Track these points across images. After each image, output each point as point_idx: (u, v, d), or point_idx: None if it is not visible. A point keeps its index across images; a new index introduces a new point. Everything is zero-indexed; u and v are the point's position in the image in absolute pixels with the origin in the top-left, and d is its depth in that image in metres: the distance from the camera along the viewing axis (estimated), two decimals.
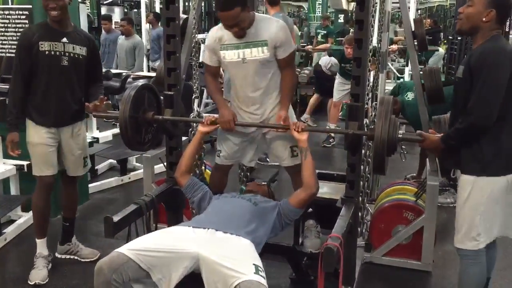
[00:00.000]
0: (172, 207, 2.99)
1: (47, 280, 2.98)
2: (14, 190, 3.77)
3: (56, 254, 3.29)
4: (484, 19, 2.24)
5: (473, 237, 2.31)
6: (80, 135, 3.15)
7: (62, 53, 2.95)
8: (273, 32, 2.59)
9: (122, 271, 1.94)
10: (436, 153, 2.68)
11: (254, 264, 1.96)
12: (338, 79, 6.09)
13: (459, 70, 2.36)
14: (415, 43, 3.23)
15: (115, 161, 5.05)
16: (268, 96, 2.73)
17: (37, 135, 2.99)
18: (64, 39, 2.96)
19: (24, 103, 2.95)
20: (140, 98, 2.71)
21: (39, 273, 3.00)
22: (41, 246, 3.08)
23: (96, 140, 4.74)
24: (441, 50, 8.32)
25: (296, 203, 2.51)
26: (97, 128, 4.84)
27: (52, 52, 2.92)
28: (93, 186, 4.47)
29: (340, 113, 6.55)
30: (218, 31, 2.67)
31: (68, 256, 3.28)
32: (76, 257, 3.27)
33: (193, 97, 3.20)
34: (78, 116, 3.13)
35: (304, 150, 2.56)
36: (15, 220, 3.66)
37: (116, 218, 2.38)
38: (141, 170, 4.41)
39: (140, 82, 2.90)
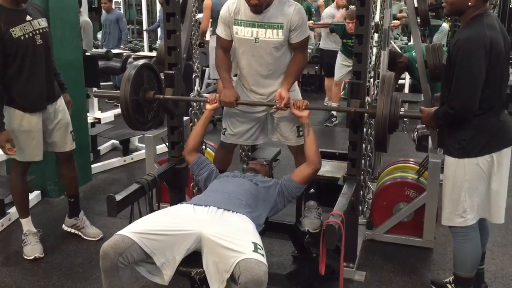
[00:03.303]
0: (174, 186, 3.01)
1: (43, 255, 3.03)
2: None
3: (63, 226, 3.34)
4: (470, 3, 2.22)
5: (459, 214, 2.34)
6: (61, 110, 3.08)
7: (34, 32, 2.83)
8: (289, 15, 2.57)
9: (128, 254, 1.95)
10: (432, 127, 2.68)
11: (253, 242, 1.97)
12: (339, 56, 6.04)
13: (444, 56, 2.38)
14: (418, 19, 3.18)
15: (118, 142, 5.05)
16: (275, 78, 2.73)
17: (25, 122, 2.88)
18: (28, 17, 2.83)
19: (3, 98, 2.78)
20: (140, 77, 2.69)
21: (34, 248, 3.03)
22: (27, 224, 3.10)
23: (98, 120, 4.74)
24: (446, 25, 8.21)
25: (300, 179, 2.51)
26: (99, 109, 4.83)
27: (26, 36, 2.79)
28: (96, 167, 4.48)
29: (342, 92, 6.51)
30: (234, 4, 2.64)
31: (73, 230, 3.32)
32: (80, 233, 3.31)
33: (193, 76, 3.19)
34: (57, 93, 3.08)
35: (307, 126, 2.56)
36: None
37: (118, 197, 2.40)
38: (144, 151, 4.43)
39: (141, 61, 2.87)
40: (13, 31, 2.75)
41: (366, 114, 2.59)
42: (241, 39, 2.65)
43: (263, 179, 2.56)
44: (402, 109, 2.46)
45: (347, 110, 2.56)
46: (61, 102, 3.11)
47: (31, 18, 2.85)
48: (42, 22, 2.92)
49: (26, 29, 2.81)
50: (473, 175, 2.29)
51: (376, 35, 3.97)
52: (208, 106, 2.73)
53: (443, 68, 2.42)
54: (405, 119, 3.63)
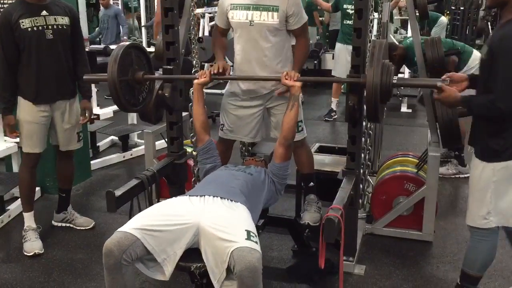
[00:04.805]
0: (173, 182, 3.00)
1: (42, 251, 3.04)
2: (16, 167, 3.78)
3: (53, 222, 3.39)
4: None
5: (482, 216, 2.26)
6: (73, 111, 3.14)
7: (45, 26, 2.89)
8: None
9: (131, 250, 1.94)
10: (448, 106, 2.54)
11: (246, 230, 1.96)
12: (338, 46, 5.97)
13: (483, 49, 2.25)
14: (417, 12, 3.18)
15: (117, 138, 5.05)
16: (271, 66, 2.70)
17: (29, 113, 2.95)
18: (44, 12, 2.90)
19: (14, 85, 2.90)
20: (129, 57, 2.61)
21: (33, 244, 3.04)
22: (29, 219, 3.12)
23: (97, 117, 4.72)
24: (444, 19, 8.20)
25: (277, 158, 2.50)
26: (98, 105, 4.82)
27: (35, 28, 2.86)
28: (95, 163, 4.48)
29: (342, 86, 6.49)
30: None
31: (63, 224, 3.37)
32: (71, 225, 3.36)
33: (192, 71, 3.18)
34: (71, 91, 3.12)
35: (294, 99, 2.48)
36: (18, 197, 3.67)
37: (118, 193, 2.39)
38: (143, 146, 4.42)
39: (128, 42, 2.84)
40: (22, 22, 2.83)
41: (358, 84, 2.50)
42: (237, 24, 2.67)
43: (256, 169, 2.54)
44: (395, 77, 2.35)
45: (344, 81, 2.53)
46: (74, 102, 3.15)
47: (47, 14, 2.91)
48: (61, 20, 2.97)
49: (37, 22, 2.87)
50: (502, 177, 2.19)
51: (375, 29, 3.96)
52: (195, 81, 2.68)
53: (480, 62, 2.29)
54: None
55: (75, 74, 3.13)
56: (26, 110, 2.95)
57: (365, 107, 2.40)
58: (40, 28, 2.88)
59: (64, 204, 3.37)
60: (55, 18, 2.94)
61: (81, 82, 3.15)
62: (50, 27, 2.92)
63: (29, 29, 2.85)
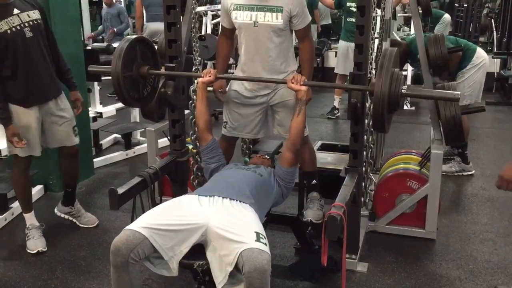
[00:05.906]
0: (176, 179, 3.01)
1: (46, 249, 3.03)
2: None
3: (56, 211, 3.38)
4: None
5: None
6: (64, 105, 3.08)
7: (22, 25, 2.80)
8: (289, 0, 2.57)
9: (139, 249, 1.94)
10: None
11: (255, 232, 1.97)
12: (342, 44, 5.98)
13: None
14: (420, 9, 3.16)
15: (120, 136, 5.05)
16: (275, 66, 2.71)
17: (22, 117, 2.88)
18: (16, 10, 2.80)
19: (5, 93, 2.81)
20: (134, 52, 2.58)
21: (37, 242, 3.03)
22: (31, 219, 3.11)
23: (100, 115, 4.74)
24: (448, 16, 8.17)
25: (285, 163, 2.49)
26: (100, 103, 4.83)
27: (13, 29, 2.76)
28: (98, 161, 4.49)
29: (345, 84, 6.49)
30: None
31: (67, 217, 3.35)
32: (75, 221, 3.34)
33: (193, 69, 3.18)
34: (59, 88, 3.07)
35: (301, 103, 2.46)
36: None
37: (120, 190, 2.39)
38: (146, 144, 4.42)
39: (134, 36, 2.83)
40: None
41: (366, 92, 2.51)
42: (241, 24, 2.66)
43: (266, 170, 2.55)
44: (405, 87, 2.31)
45: (349, 87, 2.51)
46: (63, 99, 3.10)
47: (19, 11, 2.82)
48: (33, 14, 2.88)
49: (13, 23, 2.78)
50: None
51: (378, 26, 3.94)
52: (199, 79, 2.68)
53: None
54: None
55: (57, 68, 3.07)
56: (17, 115, 2.87)
57: (371, 115, 2.37)
58: (18, 27, 2.79)
59: (71, 199, 3.35)
60: (28, 14, 2.85)
61: (66, 75, 3.12)
62: (26, 24, 2.82)
63: (8, 31, 2.75)
